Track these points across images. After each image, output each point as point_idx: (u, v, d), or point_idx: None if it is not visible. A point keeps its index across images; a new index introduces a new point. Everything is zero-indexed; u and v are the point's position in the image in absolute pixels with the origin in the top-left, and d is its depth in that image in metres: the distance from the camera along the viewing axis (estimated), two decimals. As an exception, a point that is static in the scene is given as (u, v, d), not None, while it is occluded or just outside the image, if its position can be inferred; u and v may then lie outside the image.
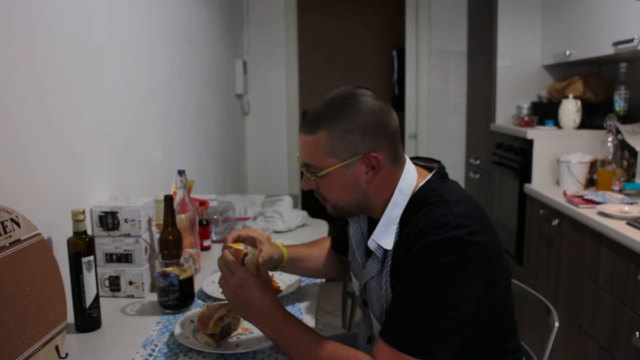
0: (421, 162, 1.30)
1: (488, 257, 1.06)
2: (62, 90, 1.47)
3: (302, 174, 1.22)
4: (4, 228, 1.09)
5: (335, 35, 6.29)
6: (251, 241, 1.38)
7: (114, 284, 1.55)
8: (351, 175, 1.15)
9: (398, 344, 1.05)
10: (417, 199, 1.15)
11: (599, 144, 2.76)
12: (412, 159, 1.28)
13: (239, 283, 1.17)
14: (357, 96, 1.14)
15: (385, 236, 1.16)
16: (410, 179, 1.18)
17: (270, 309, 1.17)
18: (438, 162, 1.27)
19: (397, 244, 1.14)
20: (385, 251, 1.17)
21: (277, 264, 1.44)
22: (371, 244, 1.18)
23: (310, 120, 1.15)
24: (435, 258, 1.04)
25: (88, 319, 1.35)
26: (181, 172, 1.78)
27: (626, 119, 2.67)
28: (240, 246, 1.25)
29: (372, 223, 1.24)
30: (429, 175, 1.20)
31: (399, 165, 1.19)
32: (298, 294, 1.59)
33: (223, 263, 1.21)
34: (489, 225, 1.12)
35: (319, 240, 1.61)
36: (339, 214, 1.23)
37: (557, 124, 2.99)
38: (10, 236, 1.10)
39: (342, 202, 1.20)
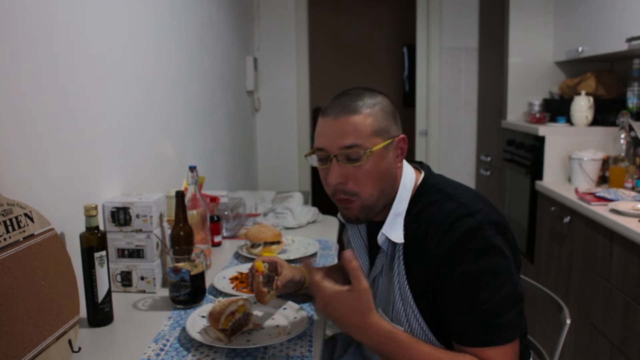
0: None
1: (505, 231, 1.10)
2: (74, 89, 1.48)
3: (314, 171, 1.20)
4: (18, 223, 1.10)
5: (346, 32, 6.27)
6: (272, 265, 1.40)
7: (126, 279, 1.57)
8: (389, 159, 1.17)
9: (490, 341, 1.04)
10: (420, 195, 1.19)
11: (611, 141, 2.74)
12: None
13: (324, 302, 1.10)
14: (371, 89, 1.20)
15: (393, 230, 1.17)
16: (410, 176, 1.22)
17: (366, 318, 1.09)
18: (420, 162, 1.31)
19: (407, 239, 1.15)
20: (394, 245, 1.17)
21: (299, 286, 1.45)
22: (380, 238, 1.18)
23: (350, 102, 1.15)
24: (468, 250, 1.05)
25: (100, 314, 1.36)
26: (192, 168, 1.78)
27: (639, 115, 2.64)
28: (262, 266, 1.35)
29: (370, 227, 1.29)
30: (423, 173, 1.24)
31: None
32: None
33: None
34: (493, 205, 1.16)
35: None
36: (363, 214, 1.19)
37: (569, 121, 2.97)
38: (24, 231, 1.11)
39: (373, 194, 1.16)
